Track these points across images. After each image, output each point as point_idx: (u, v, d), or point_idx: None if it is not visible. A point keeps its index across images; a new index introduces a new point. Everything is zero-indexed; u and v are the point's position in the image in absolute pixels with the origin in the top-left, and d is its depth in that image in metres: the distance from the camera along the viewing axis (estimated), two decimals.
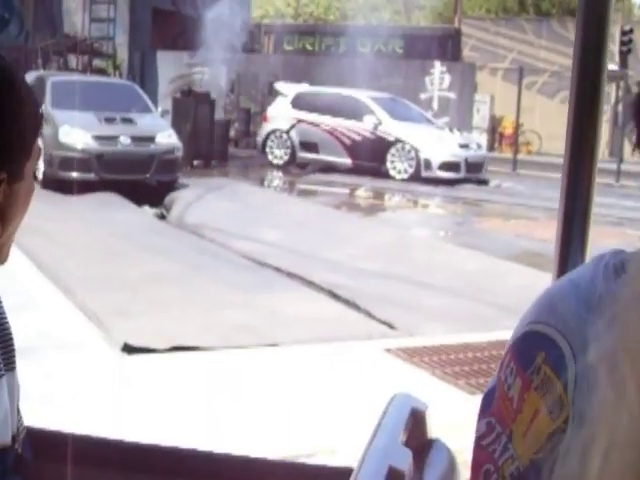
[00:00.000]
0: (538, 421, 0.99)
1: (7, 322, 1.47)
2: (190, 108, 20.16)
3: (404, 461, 1.24)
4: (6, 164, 1.23)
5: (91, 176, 14.84)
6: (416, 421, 1.42)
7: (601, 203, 13.89)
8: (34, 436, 1.53)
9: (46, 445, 1.63)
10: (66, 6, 25.86)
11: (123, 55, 26.90)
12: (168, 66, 26.90)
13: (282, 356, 6.79)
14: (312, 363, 6.63)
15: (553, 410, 0.98)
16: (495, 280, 9.81)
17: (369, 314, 8.21)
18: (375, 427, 1.36)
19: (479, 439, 1.09)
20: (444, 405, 5.46)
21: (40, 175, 15.21)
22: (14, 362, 1.46)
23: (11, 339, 1.46)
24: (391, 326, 7.88)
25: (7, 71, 1.25)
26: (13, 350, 1.46)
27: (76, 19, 25.49)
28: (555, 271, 1.58)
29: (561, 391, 0.97)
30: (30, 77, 16.56)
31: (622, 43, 27.63)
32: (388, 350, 7.02)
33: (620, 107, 27.84)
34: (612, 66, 27.96)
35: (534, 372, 1.01)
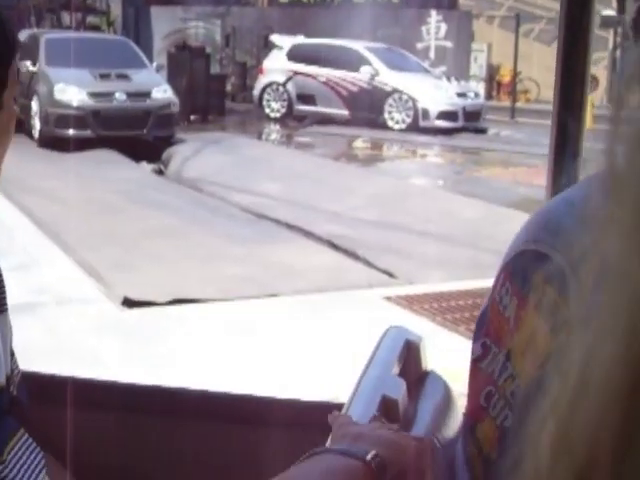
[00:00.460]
0: (538, 339, 0.98)
1: None
2: (185, 63, 20.04)
3: (398, 390, 1.24)
4: None
5: (87, 133, 14.78)
6: (410, 353, 1.42)
7: (601, 149, 13.79)
8: (30, 380, 1.53)
9: (42, 388, 1.63)
10: None
11: (117, 11, 26.69)
12: (162, 21, 26.69)
13: (283, 306, 6.81)
14: (313, 312, 6.65)
15: (554, 327, 0.97)
16: (495, 227, 9.78)
17: (369, 263, 8.22)
18: (369, 358, 1.36)
19: (476, 362, 1.08)
20: (445, 351, 5.46)
21: (36, 134, 15.18)
22: (5, 304, 1.45)
23: (2, 281, 1.45)
24: (391, 275, 7.89)
25: None
26: (4, 292, 1.45)
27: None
28: (548, 191, 1.56)
29: (562, 307, 0.96)
30: (23, 35, 16.46)
31: None
32: (388, 298, 7.04)
33: (618, 53, 27.66)
34: (609, 11, 27.75)
35: (531, 290, 0.99)
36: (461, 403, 1.19)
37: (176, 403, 1.68)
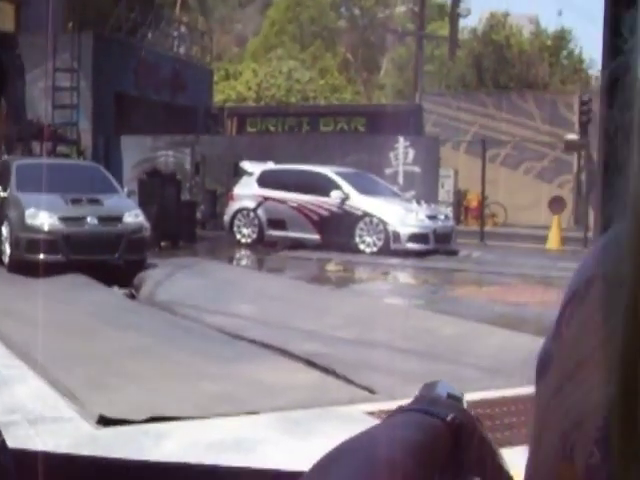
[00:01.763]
0: None
1: None
2: (156, 189, 20.11)
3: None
4: None
5: (58, 257, 14.64)
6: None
7: (571, 268, 13.87)
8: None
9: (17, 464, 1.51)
10: (29, 93, 25.87)
11: (87, 141, 26.88)
12: (132, 150, 26.93)
13: (263, 423, 6.62)
14: (294, 428, 6.46)
15: None
16: (474, 343, 9.70)
17: (348, 380, 8.07)
18: None
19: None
20: None
21: (6, 259, 15.04)
22: None
23: None
24: (371, 391, 7.74)
25: None
26: None
27: (39, 106, 25.50)
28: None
29: None
30: None
31: (582, 113, 27.98)
32: (370, 413, 6.87)
33: (583, 176, 28.11)
34: (573, 136, 28.32)
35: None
36: None
37: (151, 477, 1.57)
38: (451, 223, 21.61)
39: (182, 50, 36.95)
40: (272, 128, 34.68)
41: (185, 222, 20.93)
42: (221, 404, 7.00)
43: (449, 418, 0.95)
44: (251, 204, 21.94)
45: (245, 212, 22.01)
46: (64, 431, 6.23)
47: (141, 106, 29.16)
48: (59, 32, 27.78)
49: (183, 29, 39.51)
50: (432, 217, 20.51)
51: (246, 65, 51.86)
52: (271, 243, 21.28)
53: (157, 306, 12.28)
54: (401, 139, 26.56)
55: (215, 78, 42.82)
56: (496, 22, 40.18)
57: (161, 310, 11.93)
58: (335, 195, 20.80)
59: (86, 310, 11.22)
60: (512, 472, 0.99)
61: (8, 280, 14.00)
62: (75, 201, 15.47)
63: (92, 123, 27.16)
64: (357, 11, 55.98)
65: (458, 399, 1.36)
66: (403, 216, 20.04)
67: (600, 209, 1.12)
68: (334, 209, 20.84)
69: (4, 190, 15.32)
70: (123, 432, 6.24)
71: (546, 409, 0.97)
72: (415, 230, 19.84)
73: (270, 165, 22.59)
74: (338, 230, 20.43)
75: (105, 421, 6.32)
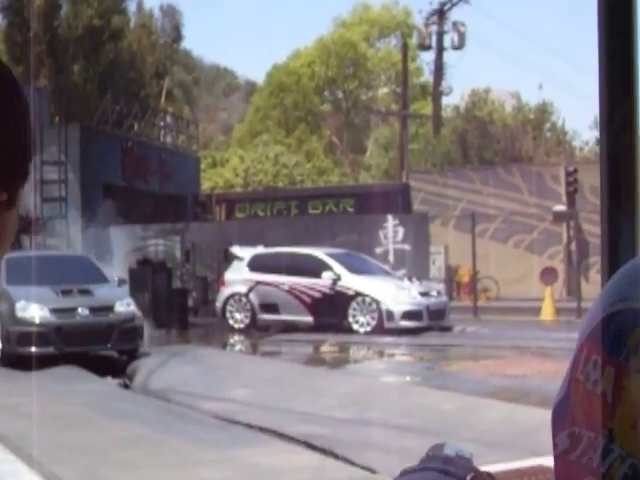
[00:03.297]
0: None
1: None
2: (147, 278, 20.07)
3: None
4: (7, 182, 1.05)
5: (50, 350, 14.51)
6: None
7: (567, 338, 13.82)
8: None
9: None
10: None
11: (76, 232, 26.89)
12: (122, 240, 26.91)
13: None
14: None
15: None
16: (473, 417, 9.58)
17: (348, 460, 7.94)
18: None
19: (564, 455, 0.92)
20: None
21: None
22: None
23: None
24: (372, 470, 7.62)
25: (15, 81, 1.08)
26: None
27: (27, 200, 25.58)
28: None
29: None
30: None
31: (568, 183, 28.18)
32: None
33: (573, 246, 28.15)
34: (561, 207, 28.43)
35: (630, 354, 0.85)
36: None
37: None
38: (444, 299, 21.54)
39: (168, 139, 37.23)
40: (261, 213, 34.79)
41: (177, 310, 20.84)
42: None
43: (468, 478, 0.93)
44: (243, 289, 21.86)
45: (237, 297, 21.92)
46: None
47: (129, 196, 29.30)
48: (46, 125, 28.01)
49: (169, 119, 39.86)
50: (425, 294, 20.45)
51: (233, 152, 52.26)
52: (264, 327, 21.15)
53: (151, 394, 12.14)
54: (390, 218, 26.65)
55: (202, 166, 43.13)
56: (478, 98, 40.71)
57: (155, 398, 11.78)
58: (326, 276, 20.75)
59: (79, 401, 11.08)
60: None
61: (0, 375, 13.86)
62: (66, 292, 15.39)
63: (81, 214, 27.20)
64: (340, 94, 56.60)
65: (467, 459, 1.30)
66: (395, 294, 19.98)
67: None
68: (326, 290, 20.78)
69: None
70: None
71: (562, 463, 0.91)
72: (408, 308, 19.76)
73: (260, 249, 22.58)
74: (331, 311, 20.34)
75: None
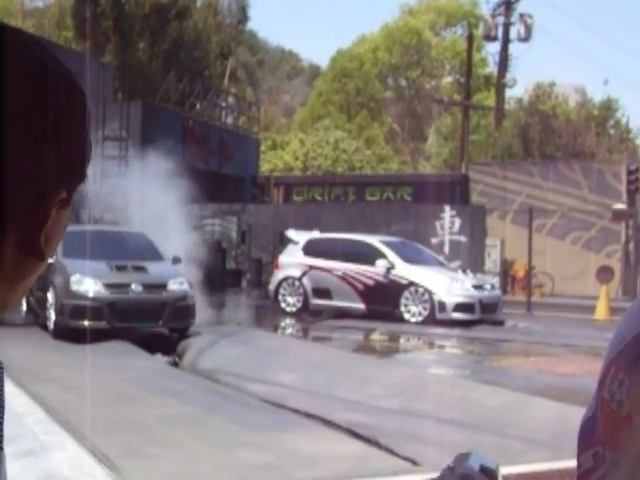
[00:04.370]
0: None
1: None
2: (202, 257, 20.12)
3: None
4: (68, 183, 1.04)
5: (102, 324, 14.64)
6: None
7: None
8: None
9: None
10: None
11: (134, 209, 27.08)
12: (179, 219, 27.03)
13: None
14: None
15: None
16: (520, 414, 9.49)
17: (391, 451, 7.91)
18: None
19: (586, 475, 0.89)
20: None
21: (51, 325, 15.06)
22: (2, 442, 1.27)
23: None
24: (415, 462, 7.57)
25: (82, 92, 1.07)
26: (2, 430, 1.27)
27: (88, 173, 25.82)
28: None
29: None
30: None
31: (629, 182, 27.82)
32: None
33: (631, 246, 27.80)
34: (620, 205, 28.08)
35: None
36: None
37: None
38: (498, 293, 21.38)
39: (230, 120, 37.35)
40: (318, 197, 34.79)
41: (230, 291, 20.92)
42: (261, 474, 6.88)
43: None
44: (296, 273, 21.89)
45: (290, 281, 21.95)
46: None
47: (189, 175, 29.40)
48: (109, 101, 28.23)
49: (231, 100, 39.98)
50: (478, 287, 20.30)
51: (293, 135, 52.33)
52: (316, 312, 21.17)
53: (200, 374, 12.19)
54: (447, 208, 26.51)
55: (262, 148, 43.24)
56: (542, 92, 40.27)
57: (204, 378, 11.84)
58: (380, 264, 20.69)
59: (128, 376, 11.17)
60: None
61: (52, 346, 14.01)
62: (120, 268, 15.50)
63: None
64: (403, 82, 56.39)
65: (492, 471, 1.26)
66: (449, 285, 19.87)
67: None
68: (379, 278, 20.71)
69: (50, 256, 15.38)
70: None
71: None
72: (461, 300, 19.64)
73: (316, 234, 22.58)
74: (383, 299, 20.29)
75: None
